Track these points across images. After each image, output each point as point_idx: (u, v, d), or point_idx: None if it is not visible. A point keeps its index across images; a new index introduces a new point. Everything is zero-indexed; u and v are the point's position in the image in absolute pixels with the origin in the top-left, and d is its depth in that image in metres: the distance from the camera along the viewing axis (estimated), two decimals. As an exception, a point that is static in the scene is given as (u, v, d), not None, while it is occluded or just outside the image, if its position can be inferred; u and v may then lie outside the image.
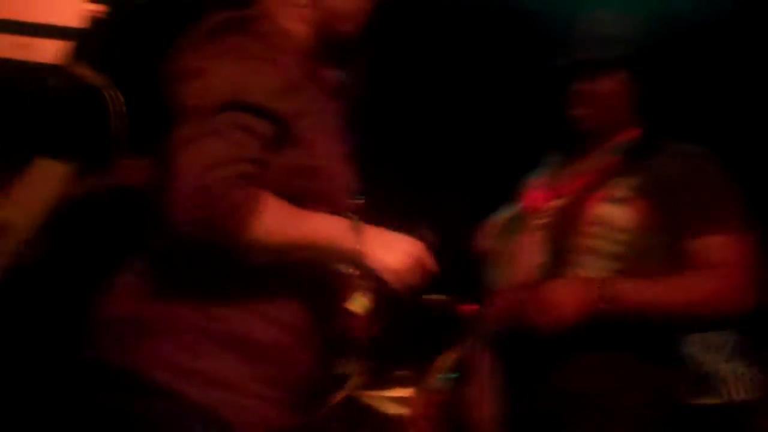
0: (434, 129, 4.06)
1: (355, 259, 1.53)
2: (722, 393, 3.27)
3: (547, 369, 1.94)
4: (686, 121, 2.13)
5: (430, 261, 1.60)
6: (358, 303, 3.33)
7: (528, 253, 2.03)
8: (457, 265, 2.19)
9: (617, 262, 1.95)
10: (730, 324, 2.40)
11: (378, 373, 3.54)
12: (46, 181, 2.24)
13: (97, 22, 2.43)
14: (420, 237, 1.60)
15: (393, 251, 1.54)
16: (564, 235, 1.99)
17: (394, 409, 3.37)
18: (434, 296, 3.22)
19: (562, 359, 1.93)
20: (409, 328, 3.79)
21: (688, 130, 2.10)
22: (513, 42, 3.77)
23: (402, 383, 3.42)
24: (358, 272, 1.58)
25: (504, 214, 2.19)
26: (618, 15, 2.14)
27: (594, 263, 1.95)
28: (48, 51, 2.37)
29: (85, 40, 2.39)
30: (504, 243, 2.11)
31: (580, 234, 1.96)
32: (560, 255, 1.99)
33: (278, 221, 1.44)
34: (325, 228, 1.51)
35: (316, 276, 1.58)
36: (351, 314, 2.39)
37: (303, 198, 1.51)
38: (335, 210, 1.54)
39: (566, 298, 1.87)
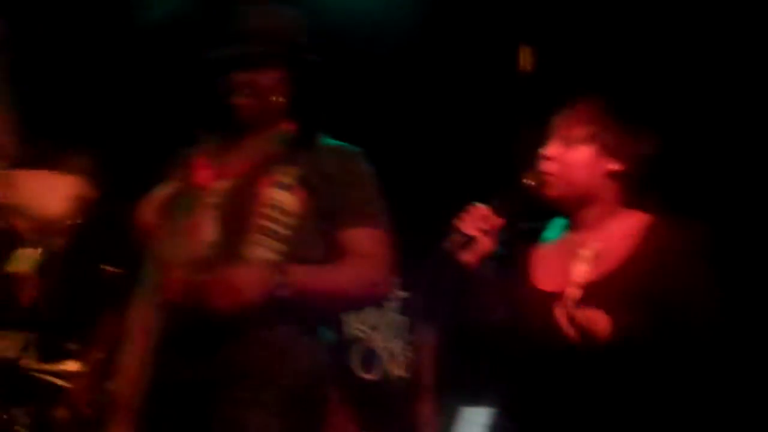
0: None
1: None
2: (381, 370, 3.53)
3: (209, 341, 2.00)
4: (340, 119, 2.28)
5: None
6: (24, 261, 3.19)
7: (200, 231, 2.08)
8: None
9: (285, 245, 2.06)
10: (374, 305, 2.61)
11: (46, 345, 3.46)
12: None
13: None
14: None
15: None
16: (238, 216, 2.06)
17: (61, 383, 3.31)
18: (109, 268, 3.17)
19: (224, 333, 2.00)
20: (79, 301, 3.74)
21: (342, 127, 2.27)
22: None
23: (71, 357, 3.37)
24: None
25: (165, 190, 2.21)
26: (279, 9, 2.22)
27: (266, 244, 2.06)
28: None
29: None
30: (172, 219, 2.13)
31: (255, 215, 2.05)
32: (233, 234, 2.06)
33: None
34: None
35: None
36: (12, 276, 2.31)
37: None
38: None
39: (248, 282, 1.96)
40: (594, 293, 1.87)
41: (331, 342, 2.18)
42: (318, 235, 2.10)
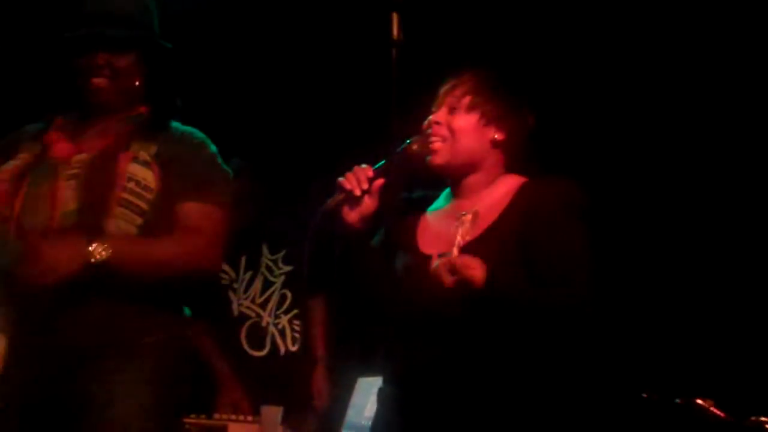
0: None
1: None
2: (269, 345, 3.51)
3: (60, 311, 2.04)
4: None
5: None
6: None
7: (58, 200, 2.11)
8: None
9: (141, 218, 2.13)
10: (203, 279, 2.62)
11: None
12: None
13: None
14: None
15: None
16: (98, 188, 2.11)
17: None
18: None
19: (70, 311, 2.04)
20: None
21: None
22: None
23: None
24: None
25: (17, 162, 2.20)
26: None
27: (126, 217, 2.12)
28: None
29: None
30: (29, 189, 2.14)
31: (116, 188, 2.11)
32: (93, 206, 2.11)
33: None
34: None
35: None
36: None
37: None
38: None
39: (60, 254, 1.99)
40: (471, 251, 1.92)
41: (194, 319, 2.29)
42: (171, 211, 2.18)
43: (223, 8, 3.69)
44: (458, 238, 1.93)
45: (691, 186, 3.45)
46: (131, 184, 2.12)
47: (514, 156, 2.11)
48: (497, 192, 2.06)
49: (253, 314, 3.55)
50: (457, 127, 2.07)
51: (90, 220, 2.09)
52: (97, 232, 2.05)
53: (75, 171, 2.14)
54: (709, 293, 3.36)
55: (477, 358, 1.93)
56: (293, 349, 3.52)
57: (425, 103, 2.15)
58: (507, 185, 2.06)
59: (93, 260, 2.00)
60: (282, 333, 3.53)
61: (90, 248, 2.01)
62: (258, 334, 3.52)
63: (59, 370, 2.04)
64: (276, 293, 3.56)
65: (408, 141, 2.06)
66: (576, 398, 1.95)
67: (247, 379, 3.45)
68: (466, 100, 2.08)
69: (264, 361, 3.51)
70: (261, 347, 3.52)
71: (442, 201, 2.17)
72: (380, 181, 2.02)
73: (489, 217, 2.00)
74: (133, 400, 2.03)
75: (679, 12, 3.37)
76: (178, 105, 2.32)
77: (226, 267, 3.44)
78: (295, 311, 3.55)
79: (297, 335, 3.53)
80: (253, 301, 3.56)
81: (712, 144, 3.42)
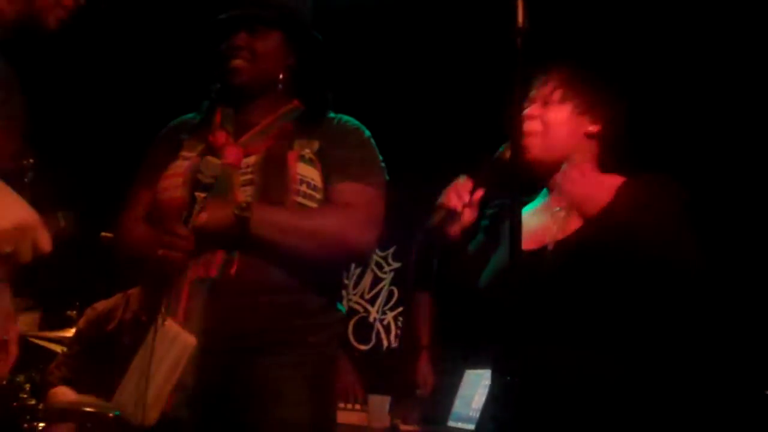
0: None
1: None
2: (374, 339, 3.58)
3: (239, 309, 2.04)
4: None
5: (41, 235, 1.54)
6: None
7: None
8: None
9: None
10: (356, 259, 2.60)
11: (46, 313, 3.50)
12: None
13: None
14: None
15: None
16: (275, 193, 2.10)
17: (60, 349, 3.35)
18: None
19: (253, 302, 2.05)
20: (76, 270, 3.77)
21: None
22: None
23: (71, 324, 3.40)
24: None
25: (183, 165, 2.15)
26: None
27: None
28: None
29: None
30: (207, 196, 2.07)
31: (290, 192, 2.10)
32: None
33: None
34: None
35: None
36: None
37: None
38: None
39: (212, 209, 2.03)
40: (567, 247, 1.92)
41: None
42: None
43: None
44: (552, 233, 1.95)
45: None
46: (303, 187, 2.11)
47: (610, 150, 2.07)
48: (594, 188, 2.02)
49: (362, 309, 3.63)
50: (550, 120, 2.05)
51: None
52: None
53: (249, 176, 2.13)
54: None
55: (585, 344, 1.91)
56: (395, 345, 3.59)
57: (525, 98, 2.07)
58: (606, 182, 2.03)
59: (237, 212, 2.01)
60: (387, 329, 3.60)
61: (235, 204, 2.04)
62: (364, 329, 3.59)
63: (223, 365, 2.04)
64: (384, 289, 3.63)
65: (502, 148, 2.01)
66: (700, 396, 1.90)
67: (352, 370, 3.52)
68: (558, 92, 2.06)
69: (368, 354, 3.58)
70: (366, 341, 3.59)
71: (538, 200, 2.15)
72: (479, 193, 2.00)
73: (586, 214, 1.98)
74: (296, 398, 2.04)
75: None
76: (329, 98, 2.27)
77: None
78: (401, 308, 3.61)
79: (399, 332, 3.59)
80: (362, 296, 3.64)
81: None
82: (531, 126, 2.04)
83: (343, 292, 3.60)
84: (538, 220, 2.06)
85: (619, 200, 1.97)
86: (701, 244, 1.90)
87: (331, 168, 2.15)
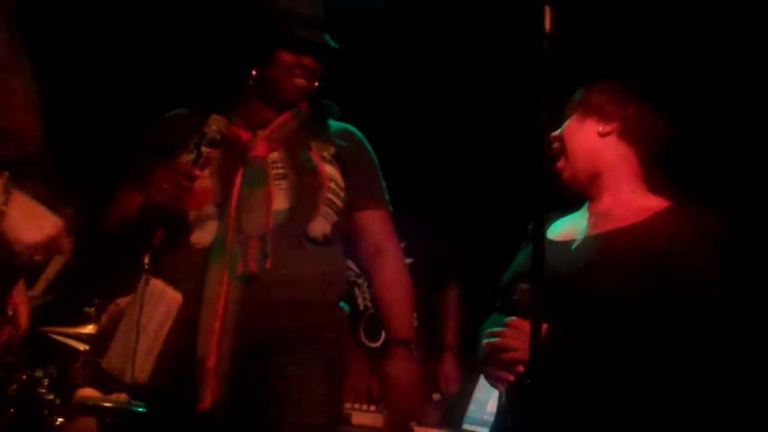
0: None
1: None
2: (384, 336, 3.60)
3: (272, 311, 2.12)
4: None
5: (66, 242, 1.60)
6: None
7: (272, 201, 2.15)
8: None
9: (337, 216, 2.25)
10: None
11: (64, 309, 3.54)
12: None
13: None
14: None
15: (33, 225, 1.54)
16: (310, 187, 2.19)
17: (79, 345, 3.40)
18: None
19: (273, 301, 2.13)
20: (96, 266, 3.80)
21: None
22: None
23: (89, 321, 3.45)
24: None
25: (208, 159, 2.14)
26: None
27: (327, 215, 2.22)
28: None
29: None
30: (242, 189, 2.14)
31: (323, 188, 2.20)
32: (305, 206, 2.18)
33: None
34: None
35: None
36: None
37: None
38: None
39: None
40: (597, 244, 1.95)
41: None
42: (349, 209, 2.29)
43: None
44: (584, 228, 1.99)
45: None
46: (332, 184, 2.21)
47: (650, 171, 2.04)
48: (636, 204, 2.00)
49: (372, 306, 3.66)
50: (564, 134, 2.07)
51: (299, 219, 2.17)
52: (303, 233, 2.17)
53: (281, 171, 2.19)
54: None
55: (612, 342, 1.89)
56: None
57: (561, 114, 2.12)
58: (648, 202, 2.01)
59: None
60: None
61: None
62: (374, 325, 3.62)
63: (243, 359, 2.09)
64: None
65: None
66: (710, 397, 1.90)
67: (365, 369, 3.56)
68: (581, 110, 2.07)
69: (379, 351, 3.61)
70: (376, 339, 3.63)
71: (578, 213, 2.15)
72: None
73: (621, 221, 1.97)
74: (310, 394, 2.10)
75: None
76: (331, 103, 2.37)
77: (351, 263, 3.49)
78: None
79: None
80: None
81: None
82: (555, 149, 2.07)
83: (357, 292, 3.66)
84: (573, 221, 2.10)
85: (656, 222, 1.94)
86: (735, 284, 1.88)
87: (355, 188, 2.26)
